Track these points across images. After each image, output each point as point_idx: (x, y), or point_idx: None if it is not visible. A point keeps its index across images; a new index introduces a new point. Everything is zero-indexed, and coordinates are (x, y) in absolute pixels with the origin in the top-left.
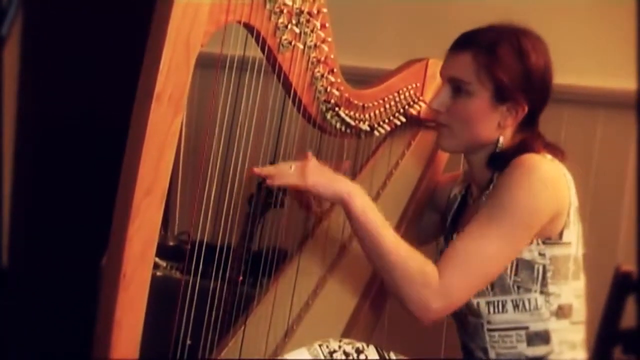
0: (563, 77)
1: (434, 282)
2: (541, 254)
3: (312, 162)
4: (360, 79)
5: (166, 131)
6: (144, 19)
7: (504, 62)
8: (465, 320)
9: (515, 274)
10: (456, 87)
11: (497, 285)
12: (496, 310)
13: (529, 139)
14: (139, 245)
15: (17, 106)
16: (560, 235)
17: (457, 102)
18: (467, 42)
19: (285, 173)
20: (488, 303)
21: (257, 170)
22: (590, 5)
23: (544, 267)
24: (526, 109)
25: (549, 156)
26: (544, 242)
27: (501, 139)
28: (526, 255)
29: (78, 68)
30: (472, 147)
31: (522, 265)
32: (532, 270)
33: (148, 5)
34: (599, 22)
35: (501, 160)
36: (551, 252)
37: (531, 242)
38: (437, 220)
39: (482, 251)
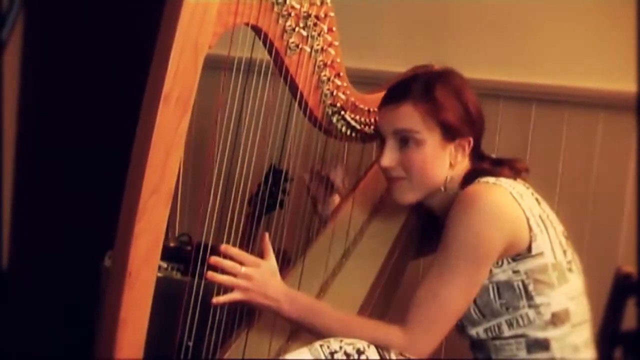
0: (564, 79)
1: (397, 339)
2: (515, 271)
3: (262, 267)
4: (361, 80)
5: (174, 132)
6: (145, 22)
7: (445, 103)
8: (472, 339)
9: (500, 297)
10: (403, 138)
11: (487, 312)
12: (494, 333)
13: (476, 168)
14: (145, 244)
15: (18, 110)
16: (529, 248)
17: (408, 153)
18: (402, 93)
19: (232, 285)
20: (486, 330)
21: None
22: (591, 8)
23: (523, 282)
24: (472, 141)
25: (491, 180)
26: (514, 260)
27: (448, 178)
28: (501, 277)
29: (79, 72)
30: (428, 193)
31: (502, 287)
32: (513, 289)
33: (148, 8)
34: (599, 24)
35: None
36: (524, 266)
37: (502, 263)
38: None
39: (438, 297)
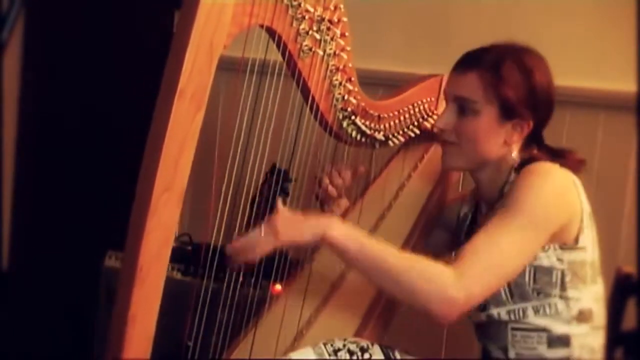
0: (564, 79)
1: (450, 277)
2: (559, 259)
3: (281, 215)
4: (363, 80)
5: (187, 129)
6: (145, 21)
7: (510, 80)
8: (488, 322)
9: (534, 282)
10: (462, 106)
11: (517, 294)
12: (517, 317)
13: (536, 155)
14: (157, 240)
15: (18, 111)
16: (576, 240)
17: (464, 121)
18: (471, 62)
19: (257, 242)
20: (509, 312)
21: (228, 249)
22: (591, 8)
23: (562, 272)
24: (532, 124)
25: (557, 165)
26: (561, 248)
27: (514, 155)
28: (544, 262)
29: (79, 72)
30: (478, 164)
31: (541, 272)
32: (550, 276)
33: (148, 8)
34: (599, 24)
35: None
36: (568, 257)
37: (548, 249)
38: (446, 239)
39: (498, 246)
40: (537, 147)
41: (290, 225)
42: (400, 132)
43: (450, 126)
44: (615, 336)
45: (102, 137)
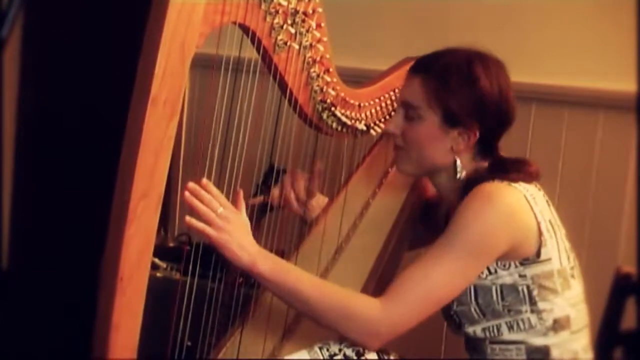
0: (564, 79)
1: (374, 310)
2: (521, 276)
3: (240, 217)
4: (360, 80)
5: (162, 135)
6: (145, 22)
7: (453, 88)
8: (468, 337)
9: (502, 299)
10: (407, 111)
11: (488, 312)
12: (492, 334)
13: (483, 172)
14: (136, 248)
15: (17, 109)
16: (538, 254)
17: (409, 126)
18: (419, 68)
19: (208, 217)
20: (484, 329)
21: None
22: (591, 8)
23: (528, 287)
24: (478, 134)
25: (504, 182)
26: (522, 264)
27: (459, 163)
28: (507, 280)
29: (79, 71)
30: (427, 170)
31: (507, 290)
32: (517, 292)
33: (149, 8)
34: (599, 23)
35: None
36: (531, 272)
37: (509, 266)
38: (432, 227)
39: (428, 279)
40: (491, 158)
41: (232, 235)
42: (382, 120)
43: (398, 130)
44: (615, 336)
45: (102, 136)
